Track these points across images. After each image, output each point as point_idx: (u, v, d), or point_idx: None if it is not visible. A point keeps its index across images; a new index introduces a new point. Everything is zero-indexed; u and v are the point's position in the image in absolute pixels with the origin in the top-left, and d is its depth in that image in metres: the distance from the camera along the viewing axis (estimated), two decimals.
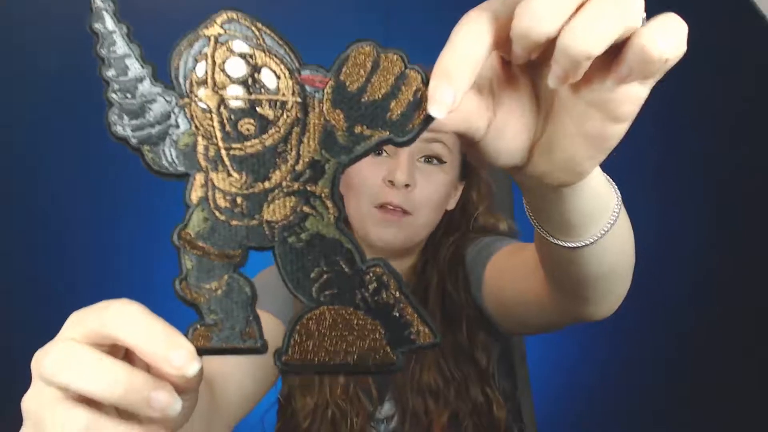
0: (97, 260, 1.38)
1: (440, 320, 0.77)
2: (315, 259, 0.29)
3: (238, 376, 0.65)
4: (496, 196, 0.87)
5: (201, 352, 0.29)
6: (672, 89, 1.64)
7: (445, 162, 0.75)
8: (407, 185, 0.72)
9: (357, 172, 0.73)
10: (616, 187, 0.41)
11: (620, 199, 0.41)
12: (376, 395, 0.76)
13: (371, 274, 0.30)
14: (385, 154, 0.73)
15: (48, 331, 0.34)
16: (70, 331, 0.28)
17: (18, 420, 0.32)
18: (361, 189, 0.74)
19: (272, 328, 0.72)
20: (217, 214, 0.29)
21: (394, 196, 0.72)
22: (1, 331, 1.38)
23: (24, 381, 0.31)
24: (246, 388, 0.66)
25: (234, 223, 0.29)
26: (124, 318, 0.27)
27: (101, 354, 0.26)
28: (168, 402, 0.26)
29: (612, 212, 0.40)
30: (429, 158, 0.74)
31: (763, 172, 1.51)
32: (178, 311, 0.32)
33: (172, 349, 0.26)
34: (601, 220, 0.39)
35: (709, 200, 1.55)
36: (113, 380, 0.26)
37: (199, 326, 0.29)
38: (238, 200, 0.29)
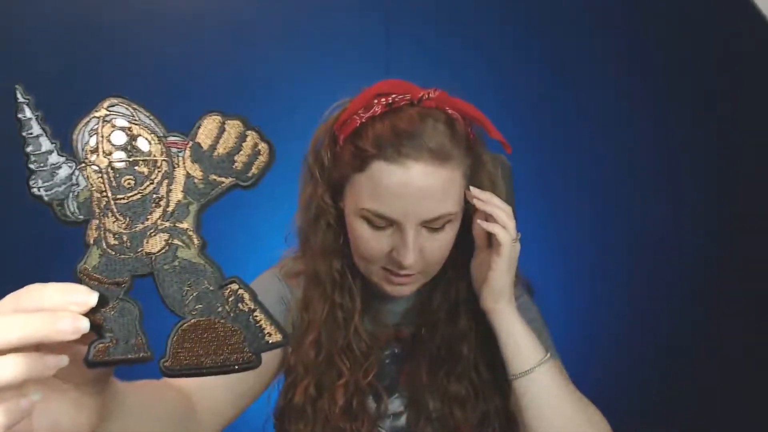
0: None
1: (474, 332, 0.76)
2: (185, 281, 0.38)
3: (221, 387, 0.68)
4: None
5: (101, 364, 0.37)
6: (672, 89, 1.65)
7: (450, 221, 0.70)
8: None
9: (362, 237, 0.70)
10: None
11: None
12: (384, 392, 0.77)
13: (229, 290, 0.38)
14: (390, 230, 0.68)
15: None
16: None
17: None
18: (367, 254, 0.71)
19: None
20: (108, 250, 0.37)
21: (403, 270, 0.69)
22: None
23: None
24: (229, 398, 0.69)
25: (122, 256, 0.37)
26: (30, 294, 0.34)
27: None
28: (75, 325, 0.33)
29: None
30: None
31: (763, 172, 1.51)
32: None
33: (70, 296, 0.34)
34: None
35: (709, 200, 1.55)
36: (24, 325, 0.33)
37: (98, 344, 0.37)
38: (124, 238, 0.37)
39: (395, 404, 0.79)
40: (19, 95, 0.37)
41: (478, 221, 0.71)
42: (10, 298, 0.35)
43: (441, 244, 0.70)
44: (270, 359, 0.76)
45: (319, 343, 0.75)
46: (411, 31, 1.52)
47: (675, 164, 1.56)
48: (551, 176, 1.54)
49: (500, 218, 0.69)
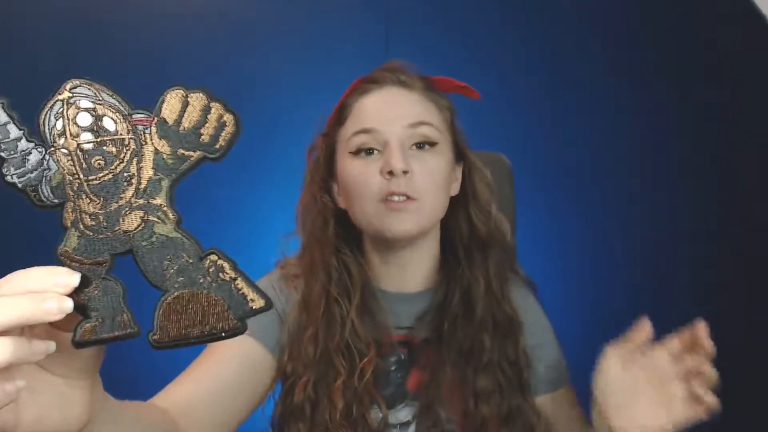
0: None
1: (492, 328, 0.78)
2: (164, 256, 0.38)
3: (209, 408, 0.67)
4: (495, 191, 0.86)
5: (89, 343, 0.37)
6: (673, 89, 1.65)
7: (437, 143, 0.75)
8: (405, 171, 0.71)
9: (355, 174, 0.74)
10: None
11: None
12: (385, 402, 0.76)
13: (209, 261, 0.38)
14: (376, 152, 0.73)
15: None
16: None
17: None
18: (362, 190, 0.73)
19: (258, 357, 0.74)
20: (86, 231, 0.38)
21: (397, 185, 0.71)
22: None
23: None
24: (218, 420, 0.68)
25: (100, 236, 0.38)
26: (14, 279, 0.35)
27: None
28: (60, 306, 0.34)
29: None
30: (420, 144, 0.74)
31: (763, 172, 1.50)
32: None
33: (53, 278, 0.35)
34: None
35: (710, 201, 1.55)
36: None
37: (85, 324, 0.37)
38: (100, 218, 0.38)
39: (402, 413, 0.77)
40: None
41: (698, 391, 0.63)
42: None
43: (429, 168, 0.73)
44: (261, 377, 0.75)
45: (317, 339, 0.74)
46: (411, 31, 1.52)
47: (675, 164, 1.56)
48: (551, 176, 1.54)
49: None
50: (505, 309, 0.79)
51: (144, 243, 0.38)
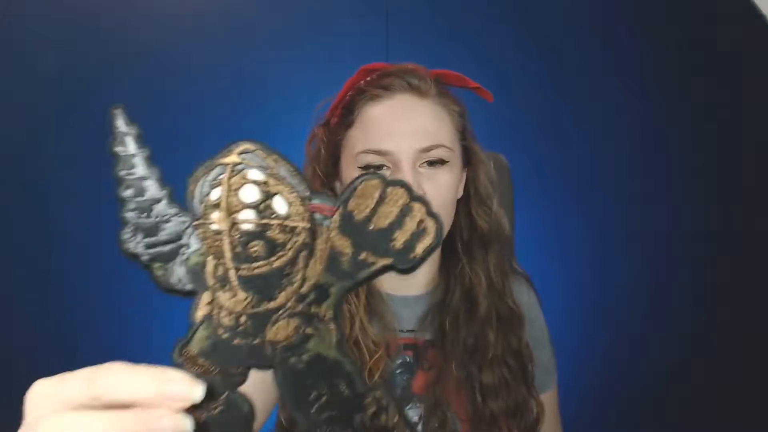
0: (96, 260, 1.38)
1: (496, 323, 0.77)
2: (315, 381, 0.30)
3: None
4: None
5: None
6: (672, 89, 1.64)
7: (447, 161, 0.73)
8: None
9: None
10: None
11: None
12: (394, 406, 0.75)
13: (371, 398, 0.30)
14: (386, 168, 0.71)
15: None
16: (61, 404, 0.26)
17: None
18: None
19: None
20: (220, 332, 0.29)
21: None
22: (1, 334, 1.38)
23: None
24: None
25: (236, 341, 0.30)
26: (113, 380, 0.26)
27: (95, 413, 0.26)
28: (177, 429, 0.25)
29: None
30: (432, 162, 0.72)
31: (764, 172, 1.50)
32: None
33: (168, 387, 0.26)
34: None
35: (710, 201, 1.55)
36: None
37: None
38: (242, 319, 0.29)
39: (408, 415, 0.77)
40: (121, 123, 0.29)
41: None
42: (84, 380, 0.26)
43: (440, 187, 0.71)
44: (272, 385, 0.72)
45: None
46: (411, 31, 1.52)
47: (675, 164, 1.56)
48: (550, 176, 1.54)
49: None
50: (508, 303, 0.79)
51: (292, 360, 0.30)
